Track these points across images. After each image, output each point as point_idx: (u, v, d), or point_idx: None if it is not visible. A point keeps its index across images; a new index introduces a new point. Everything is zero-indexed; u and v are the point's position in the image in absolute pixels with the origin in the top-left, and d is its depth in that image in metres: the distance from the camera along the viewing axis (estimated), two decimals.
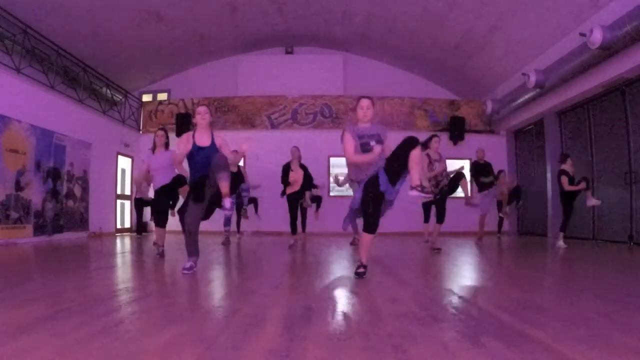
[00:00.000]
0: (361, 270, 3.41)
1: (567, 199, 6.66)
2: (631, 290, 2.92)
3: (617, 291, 2.86)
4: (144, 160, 5.34)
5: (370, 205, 3.34)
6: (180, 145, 3.76)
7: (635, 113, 7.19)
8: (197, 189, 3.63)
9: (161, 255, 5.00)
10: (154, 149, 5.19)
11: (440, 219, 5.73)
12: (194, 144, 3.75)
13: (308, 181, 6.57)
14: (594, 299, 2.58)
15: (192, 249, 3.71)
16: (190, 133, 3.83)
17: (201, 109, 3.84)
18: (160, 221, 5.15)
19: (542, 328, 1.84)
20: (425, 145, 5.44)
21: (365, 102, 3.51)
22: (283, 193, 6.53)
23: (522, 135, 11.29)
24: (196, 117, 3.81)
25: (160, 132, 5.25)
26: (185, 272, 3.55)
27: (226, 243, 6.95)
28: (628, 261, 5.06)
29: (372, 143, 3.39)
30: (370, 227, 3.38)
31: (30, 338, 1.67)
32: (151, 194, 5.69)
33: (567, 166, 6.74)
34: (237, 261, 5.02)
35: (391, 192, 3.35)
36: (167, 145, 5.23)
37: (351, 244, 6.84)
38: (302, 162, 6.58)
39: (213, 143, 3.82)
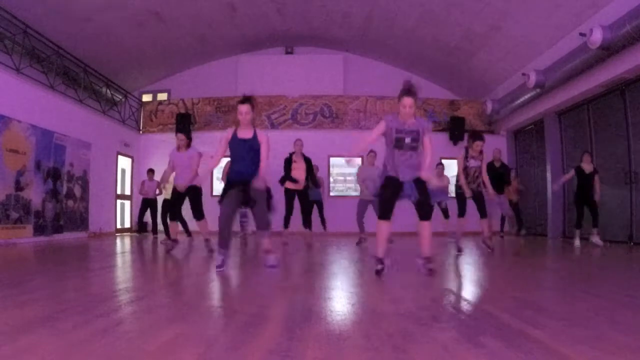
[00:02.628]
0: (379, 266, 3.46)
1: (577, 198, 6.86)
2: (631, 290, 2.92)
3: (617, 291, 2.86)
4: (170, 157, 5.66)
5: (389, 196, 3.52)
6: (223, 137, 3.79)
7: (635, 113, 7.18)
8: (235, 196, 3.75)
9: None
10: (178, 148, 5.58)
11: (483, 214, 5.63)
12: (235, 136, 3.76)
13: (310, 173, 6.60)
14: (594, 299, 2.58)
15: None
16: (232, 129, 3.85)
17: (243, 108, 3.75)
18: (177, 215, 5.71)
19: (542, 328, 1.84)
20: (473, 139, 5.50)
21: (408, 101, 3.47)
22: (282, 182, 6.55)
23: (522, 135, 11.29)
24: (237, 116, 3.78)
25: (181, 135, 5.66)
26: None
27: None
28: (628, 261, 5.06)
29: (407, 140, 3.46)
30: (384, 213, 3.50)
31: (30, 338, 1.67)
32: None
33: (583, 164, 6.87)
34: (237, 261, 5.01)
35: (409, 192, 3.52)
36: (188, 144, 5.60)
37: (357, 244, 6.92)
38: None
39: (255, 136, 3.80)
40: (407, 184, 3.49)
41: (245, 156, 3.76)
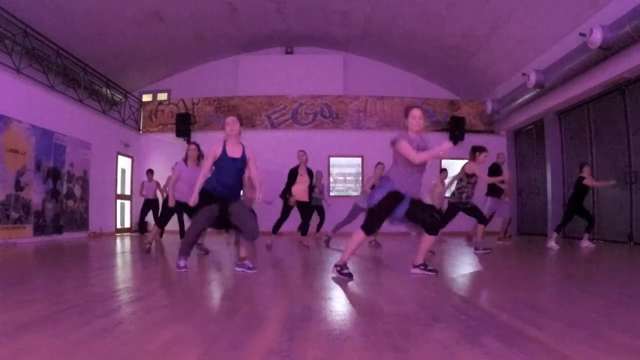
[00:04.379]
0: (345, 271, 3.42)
1: (574, 204, 6.70)
2: (631, 290, 2.92)
3: (616, 291, 2.86)
4: (176, 168, 5.56)
5: (383, 213, 3.44)
6: (211, 152, 3.79)
7: (635, 113, 7.18)
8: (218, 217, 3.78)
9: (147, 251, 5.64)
10: (186, 160, 5.46)
11: (482, 220, 5.71)
12: (225, 154, 3.76)
13: (311, 187, 6.57)
14: (594, 299, 2.58)
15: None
16: (222, 140, 3.85)
17: (230, 119, 3.82)
18: (164, 224, 5.83)
19: (542, 328, 1.84)
20: (480, 152, 5.51)
21: (417, 112, 3.49)
22: (284, 196, 6.44)
23: (522, 135, 11.29)
24: (225, 128, 3.80)
25: (193, 147, 5.53)
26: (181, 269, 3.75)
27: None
28: (628, 261, 5.06)
29: None
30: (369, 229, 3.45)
31: (30, 338, 1.67)
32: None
33: (584, 174, 6.70)
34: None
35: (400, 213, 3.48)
36: (199, 157, 5.50)
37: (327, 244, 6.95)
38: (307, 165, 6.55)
39: (244, 155, 3.84)
40: (406, 200, 3.44)
41: (232, 175, 3.80)
